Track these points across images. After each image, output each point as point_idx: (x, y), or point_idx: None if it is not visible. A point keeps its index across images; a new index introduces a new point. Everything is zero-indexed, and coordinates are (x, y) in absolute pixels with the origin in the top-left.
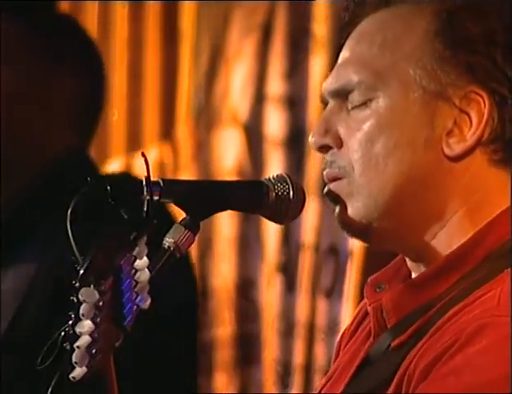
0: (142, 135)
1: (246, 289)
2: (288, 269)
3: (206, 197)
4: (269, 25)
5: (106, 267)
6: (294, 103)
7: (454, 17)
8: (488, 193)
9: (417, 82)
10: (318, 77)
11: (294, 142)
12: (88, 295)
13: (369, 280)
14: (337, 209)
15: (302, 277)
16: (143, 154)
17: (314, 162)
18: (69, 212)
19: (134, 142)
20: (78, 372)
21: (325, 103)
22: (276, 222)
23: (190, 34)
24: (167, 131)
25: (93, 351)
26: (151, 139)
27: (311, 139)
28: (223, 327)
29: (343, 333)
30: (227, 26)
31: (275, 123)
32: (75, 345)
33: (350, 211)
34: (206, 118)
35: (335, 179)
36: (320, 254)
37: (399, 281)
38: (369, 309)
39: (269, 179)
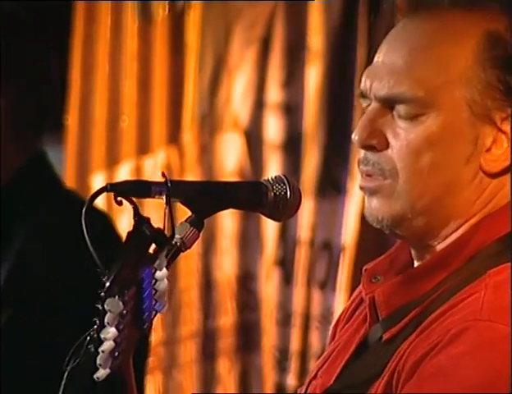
0: (151, 140)
1: (246, 281)
2: (285, 263)
3: (210, 197)
4: (268, 38)
5: (129, 278)
6: (291, 110)
7: (501, 40)
8: (500, 199)
9: (466, 103)
10: (313, 86)
11: (291, 146)
12: (113, 306)
13: (366, 268)
14: (373, 203)
15: (298, 270)
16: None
17: (310, 164)
18: (84, 210)
19: (143, 146)
20: (102, 373)
21: (362, 97)
22: (274, 219)
23: (195, 47)
24: (174, 136)
25: (116, 354)
26: (159, 144)
27: (355, 136)
28: (225, 317)
29: (339, 317)
30: (229, 39)
31: (273, 128)
32: (99, 350)
33: (387, 209)
34: (209, 124)
35: (376, 177)
36: (315, 249)
37: (393, 273)
38: (365, 298)
39: (268, 180)
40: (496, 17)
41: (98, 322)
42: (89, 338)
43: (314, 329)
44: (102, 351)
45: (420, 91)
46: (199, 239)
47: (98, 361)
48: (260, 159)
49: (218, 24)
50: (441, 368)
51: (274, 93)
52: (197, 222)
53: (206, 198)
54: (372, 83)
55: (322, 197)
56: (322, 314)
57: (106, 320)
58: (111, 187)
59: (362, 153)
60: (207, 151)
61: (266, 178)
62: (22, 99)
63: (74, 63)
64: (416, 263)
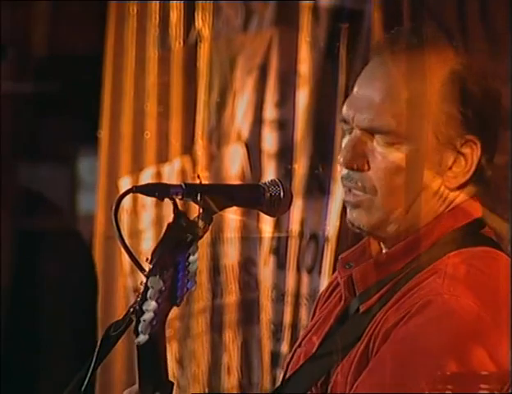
0: (168, 150)
1: (248, 266)
2: (279, 251)
3: (217, 196)
4: (265, 66)
5: (168, 261)
6: (284, 126)
7: (460, 77)
8: (454, 206)
9: (433, 134)
10: (302, 106)
11: (284, 155)
12: (154, 283)
13: (340, 258)
14: (354, 214)
15: (290, 257)
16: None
17: (299, 170)
18: (113, 208)
19: (162, 155)
20: (142, 338)
21: (344, 123)
22: (270, 215)
23: (205, 73)
24: (188, 147)
25: (154, 323)
26: (175, 153)
27: (340, 158)
28: (230, 295)
29: (319, 297)
30: (233, 67)
31: (269, 140)
32: (141, 319)
33: (366, 219)
34: (217, 137)
35: (357, 192)
36: (304, 240)
37: (364, 260)
38: (341, 281)
39: (265, 183)
40: (456, 55)
41: (140, 296)
42: (131, 310)
43: (303, 305)
44: (144, 320)
45: (395, 125)
46: (209, 231)
47: (139, 328)
48: (258, 166)
49: (224, 55)
50: (409, 333)
51: (270, 112)
52: (207, 217)
53: (214, 197)
54: (355, 115)
55: (309, 197)
56: (309, 293)
57: (148, 295)
58: (136, 188)
59: (345, 170)
60: (215, 159)
61: (263, 182)
62: None
63: (106, 88)
64: (384, 250)
